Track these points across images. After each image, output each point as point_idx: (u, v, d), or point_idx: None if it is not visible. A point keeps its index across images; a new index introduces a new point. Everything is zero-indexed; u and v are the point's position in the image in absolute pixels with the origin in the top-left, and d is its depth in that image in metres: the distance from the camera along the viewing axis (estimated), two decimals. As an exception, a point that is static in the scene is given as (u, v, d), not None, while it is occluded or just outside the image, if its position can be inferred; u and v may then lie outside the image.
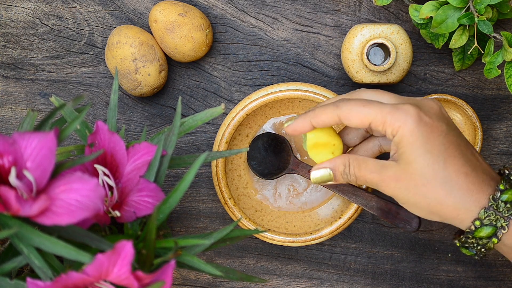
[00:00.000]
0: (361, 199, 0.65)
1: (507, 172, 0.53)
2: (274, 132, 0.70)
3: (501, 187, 0.50)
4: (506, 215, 0.50)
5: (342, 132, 0.59)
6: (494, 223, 0.50)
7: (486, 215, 0.50)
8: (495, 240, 0.51)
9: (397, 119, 0.49)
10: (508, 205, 0.50)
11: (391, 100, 0.52)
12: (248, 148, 0.63)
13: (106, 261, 0.42)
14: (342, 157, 0.54)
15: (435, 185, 0.50)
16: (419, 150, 0.49)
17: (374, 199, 0.64)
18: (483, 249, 0.52)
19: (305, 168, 0.68)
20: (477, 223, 0.50)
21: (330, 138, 0.55)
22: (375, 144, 0.57)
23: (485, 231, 0.51)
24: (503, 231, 0.51)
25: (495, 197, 0.50)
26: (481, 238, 0.51)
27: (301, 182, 0.71)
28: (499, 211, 0.50)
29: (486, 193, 0.50)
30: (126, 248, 0.42)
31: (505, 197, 0.50)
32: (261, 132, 0.70)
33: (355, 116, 0.51)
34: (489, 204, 0.50)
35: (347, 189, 0.65)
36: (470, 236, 0.52)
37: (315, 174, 0.54)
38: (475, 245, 0.52)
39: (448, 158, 0.49)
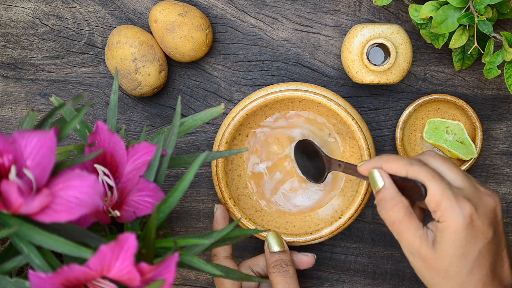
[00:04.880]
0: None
1: None
2: (304, 138, 0.69)
3: None
4: None
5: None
6: None
7: None
8: None
9: (450, 211, 0.50)
10: None
11: (457, 181, 0.53)
12: (248, 148, 0.63)
13: (109, 253, 0.41)
14: (396, 195, 0.54)
15: (453, 284, 0.52)
16: (455, 250, 0.50)
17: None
18: None
19: (335, 163, 0.65)
20: None
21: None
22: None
23: None
24: None
25: None
26: None
27: (296, 185, 0.71)
28: None
29: None
30: (130, 241, 0.42)
31: None
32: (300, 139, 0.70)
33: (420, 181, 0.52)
34: None
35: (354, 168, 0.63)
36: None
37: (372, 175, 0.55)
38: None
39: (476, 268, 0.51)
